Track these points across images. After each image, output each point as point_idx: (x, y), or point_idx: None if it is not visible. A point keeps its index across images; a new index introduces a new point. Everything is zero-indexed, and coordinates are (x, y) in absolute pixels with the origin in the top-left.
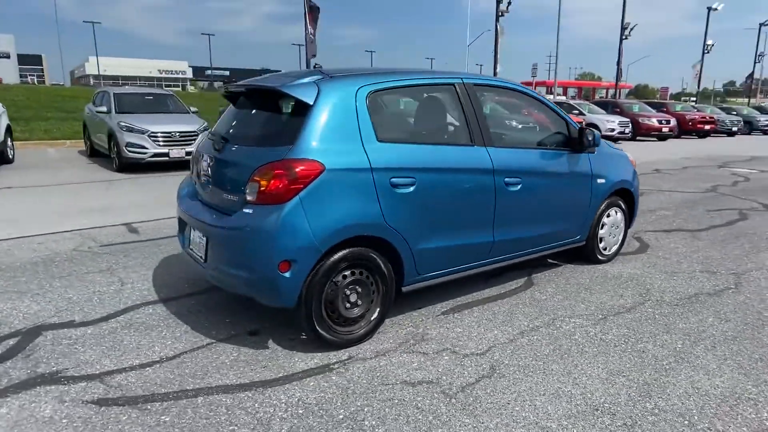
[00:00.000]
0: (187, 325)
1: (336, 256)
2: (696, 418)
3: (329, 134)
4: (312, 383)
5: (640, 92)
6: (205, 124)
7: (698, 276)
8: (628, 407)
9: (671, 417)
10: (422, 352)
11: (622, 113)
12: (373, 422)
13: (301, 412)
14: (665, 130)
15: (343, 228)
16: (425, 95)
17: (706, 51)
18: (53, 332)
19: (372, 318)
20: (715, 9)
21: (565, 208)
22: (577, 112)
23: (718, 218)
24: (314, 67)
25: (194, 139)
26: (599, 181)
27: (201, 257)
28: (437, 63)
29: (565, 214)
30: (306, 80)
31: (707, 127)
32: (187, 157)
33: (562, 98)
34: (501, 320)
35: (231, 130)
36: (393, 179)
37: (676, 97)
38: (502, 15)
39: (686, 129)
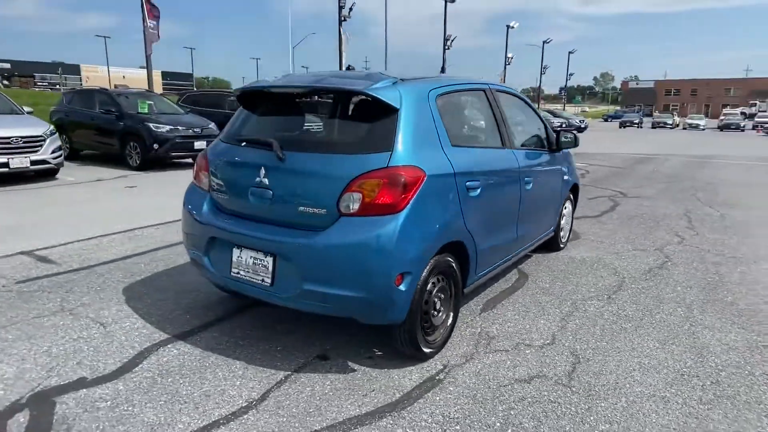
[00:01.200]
0: (240, 361)
1: (432, 264)
2: (748, 367)
3: (419, 139)
4: (437, 397)
5: None
6: (51, 127)
7: (637, 254)
8: (700, 367)
9: (733, 370)
10: (503, 350)
11: None
12: (532, 422)
13: (457, 428)
14: None
15: (443, 234)
16: (471, 99)
17: (507, 63)
18: (71, 396)
19: (448, 323)
20: (512, 27)
21: (551, 203)
22: None
23: (601, 205)
24: (347, 68)
25: (40, 146)
26: (565, 177)
27: (262, 281)
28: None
29: (550, 208)
30: (384, 83)
31: None
32: (33, 167)
33: None
34: (536, 311)
35: (282, 135)
36: (467, 183)
37: None
38: (345, 20)
39: None
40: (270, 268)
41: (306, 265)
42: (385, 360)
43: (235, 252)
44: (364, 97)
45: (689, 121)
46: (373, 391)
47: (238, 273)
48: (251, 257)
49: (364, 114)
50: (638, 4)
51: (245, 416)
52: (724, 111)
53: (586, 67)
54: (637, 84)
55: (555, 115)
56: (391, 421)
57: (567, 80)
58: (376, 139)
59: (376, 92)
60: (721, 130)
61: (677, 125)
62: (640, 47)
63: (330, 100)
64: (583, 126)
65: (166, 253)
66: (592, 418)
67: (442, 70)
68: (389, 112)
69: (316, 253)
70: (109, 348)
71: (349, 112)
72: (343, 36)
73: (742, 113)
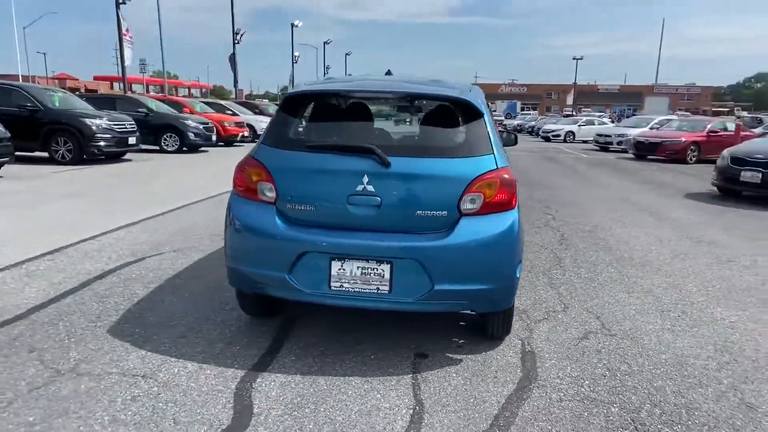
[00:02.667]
0: (355, 377)
1: None
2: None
3: (498, 142)
4: (547, 364)
5: (217, 92)
6: None
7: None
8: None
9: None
10: (605, 329)
11: (261, 113)
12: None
13: (574, 367)
14: None
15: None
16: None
17: (294, 61)
18: None
19: None
20: (297, 25)
21: None
22: (231, 112)
23: None
24: (387, 72)
25: None
26: None
27: (377, 289)
28: None
29: None
30: (464, 90)
31: None
32: None
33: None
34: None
35: (372, 141)
36: None
37: (253, 97)
38: (123, 2)
39: None
40: (387, 276)
41: (439, 266)
42: (473, 345)
43: (335, 265)
44: (456, 103)
45: None
46: (498, 371)
47: (341, 286)
48: (358, 268)
49: (457, 119)
50: (390, 14)
51: (422, 424)
52: None
53: (352, 68)
54: None
55: None
56: (542, 392)
57: None
58: (475, 143)
59: (469, 98)
60: None
61: None
62: (392, 52)
63: (407, 105)
64: None
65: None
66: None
67: (233, 61)
68: (477, 117)
69: (449, 253)
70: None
71: (442, 118)
72: (122, 21)
73: None
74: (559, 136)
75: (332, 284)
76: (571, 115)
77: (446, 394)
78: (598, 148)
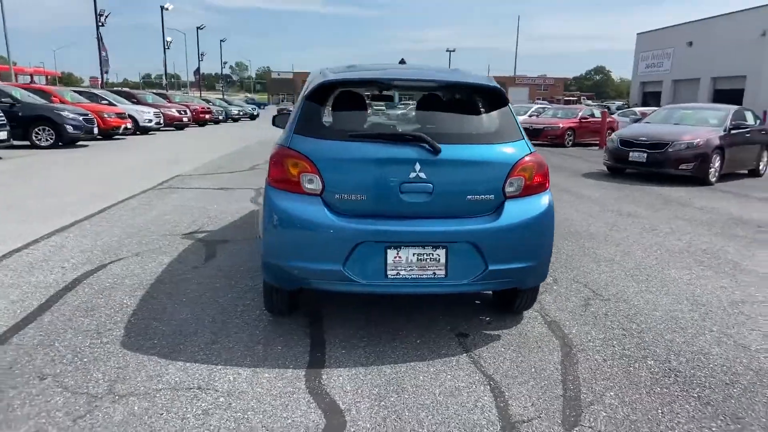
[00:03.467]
0: (423, 361)
1: None
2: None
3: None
4: (574, 329)
5: (66, 80)
6: None
7: None
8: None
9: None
10: (598, 296)
11: (139, 103)
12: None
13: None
14: (185, 119)
15: None
16: None
17: (167, 47)
18: None
19: None
20: (167, 8)
21: None
22: (107, 102)
23: None
24: (401, 61)
25: None
26: None
27: (434, 274)
28: None
29: None
30: (484, 78)
31: (207, 116)
32: None
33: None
34: None
35: (415, 128)
36: None
37: (111, 86)
38: None
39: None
40: (442, 260)
41: (492, 247)
42: (499, 321)
43: (391, 253)
44: (489, 91)
45: None
46: (538, 341)
47: (397, 274)
48: (414, 254)
49: (488, 107)
50: (263, 2)
51: (508, 396)
52: None
53: (213, 54)
54: (278, 75)
55: (230, 103)
56: (586, 356)
57: (222, 68)
58: (508, 129)
59: (498, 87)
60: None
61: None
62: (264, 40)
63: (439, 93)
64: (256, 113)
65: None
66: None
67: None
68: (505, 104)
69: (501, 235)
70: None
71: (474, 105)
72: None
73: None
74: None
75: (389, 273)
76: None
77: (508, 367)
78: None
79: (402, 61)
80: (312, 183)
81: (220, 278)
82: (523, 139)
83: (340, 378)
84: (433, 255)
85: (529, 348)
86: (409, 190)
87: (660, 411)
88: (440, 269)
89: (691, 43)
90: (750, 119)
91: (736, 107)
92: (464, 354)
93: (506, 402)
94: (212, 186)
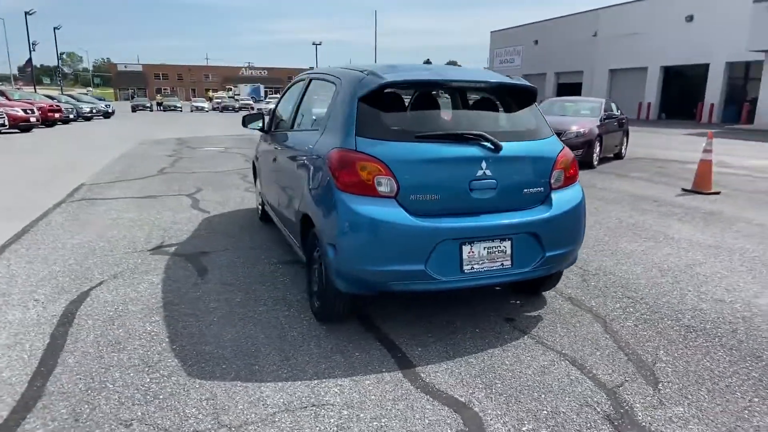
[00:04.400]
0: (498, 347)
1: None
2: None
3: None
4: (593, 301)
5: None
6: None
7: None
8: None
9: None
10: (587, 271)
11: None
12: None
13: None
14: (33, 119)
15: None
16: None
17: None
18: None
19: None
20: None
21: None
22: None
23: None
24: (426, 61)
25: None
26: None
27: (501, 265)
28: None
29: None
30: (514, 78)
31: (57, 115)
32: None
33: None
34: None
35: (473, 127)
36: None
37: None
38: None
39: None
40: (508, 251)
41: (549, 235)
42: (527, 303)
43: (465, 249)
44: (527, 92)
45: (195, 104)
46: (575, 317)
47: (471, 268)
48: (485, 248)
49: (525, 105)
50: None
51: (594, 368)
52: (217, 94)
53: (64, 46)
54: (125, 67)
55: (78, 100)
56: (621, 323)
57: (59, 59)
58: (542, 127)
59: (534, 88)
60: (221, 112)
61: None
62: (107, 27)
63: (487, 94)
64: (110, 111)
65: None
66: None
67: None
68: (533, 102)
69: (555, 223)
70: None
71: (517, 105)
72: None
73: (232, 97)
74: None
75: (464, 268)
76: None
77: (569, 342)
78: None
79: (427, 61)
80: (386, 186)
81: (234, 292)
82: (554, 134)
83: (438, 374)
84: (500, 247)
85: (571, 323)
86: (478, 187)
87: (707, 360)
88: (507, 260)
89: (537, 42)
90: (614, 109)
91: (604, 99)
92: (525, 336)
93: (592, 372)
94: (134, 195)
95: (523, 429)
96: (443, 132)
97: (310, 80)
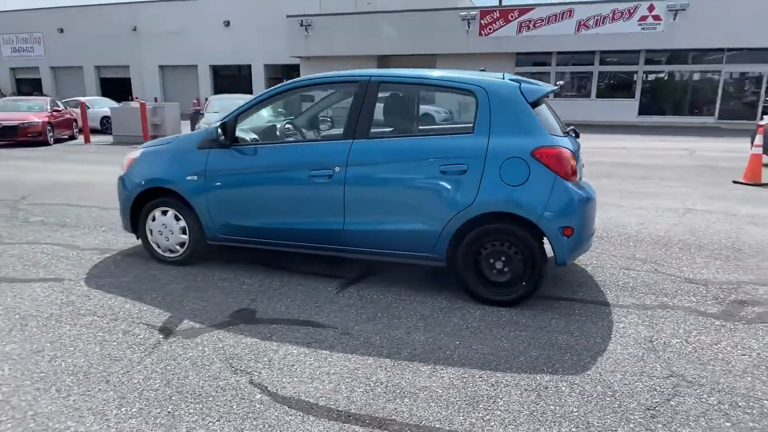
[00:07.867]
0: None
1: None
2: None
3: None
4: (600, 278)
5: None
6: None
7: None
8: None
9: None
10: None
11: None
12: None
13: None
14: None
15: None
16: None
17: None
18: None
19: None
20: None
21: None
22: None
23: None
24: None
25: None
26: None
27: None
28: None
29: None
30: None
31: None
32: None
33: None
34: None
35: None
36: None
37: None
38: None
39: None
40: None
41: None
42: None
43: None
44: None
45: None
46: (582, 286)
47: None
48: None
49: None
50: None
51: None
52: None
53: None
54: None
55: None
56: (638, 295)
57: None
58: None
59: None
60: None
61: None
62: None
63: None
64: None
65: None
66: None
67: None
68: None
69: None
70: None
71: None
72: None
73: None
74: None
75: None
76: None
77: (630, 303)
78: None
79: (482, 70)
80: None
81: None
82: None
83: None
84: None
85: (601, 290)
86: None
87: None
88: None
89: (62, 30)
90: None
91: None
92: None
93: (651, 343)
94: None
95: None
96: (561, 130)
97: (368, 87)
